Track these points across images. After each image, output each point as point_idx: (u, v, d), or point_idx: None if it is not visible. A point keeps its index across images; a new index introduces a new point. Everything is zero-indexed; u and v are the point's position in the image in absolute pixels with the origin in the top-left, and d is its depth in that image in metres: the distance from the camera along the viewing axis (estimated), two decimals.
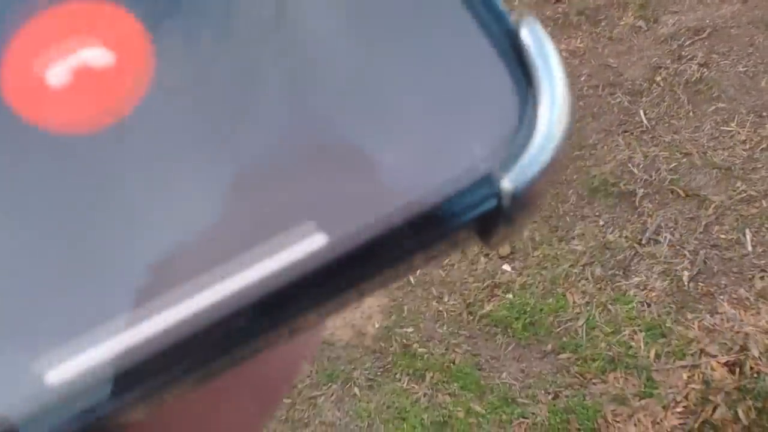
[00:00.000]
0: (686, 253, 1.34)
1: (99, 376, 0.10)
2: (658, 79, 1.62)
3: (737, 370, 1.15)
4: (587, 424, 1.19)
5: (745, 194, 1.39)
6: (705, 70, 1.61)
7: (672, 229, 1.38)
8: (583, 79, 1.65)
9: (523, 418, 1.22)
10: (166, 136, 0.10)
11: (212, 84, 0.11)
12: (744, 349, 1.17)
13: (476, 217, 0.10)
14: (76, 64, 0.10)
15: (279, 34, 0.11)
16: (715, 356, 1.19)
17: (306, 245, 0.10)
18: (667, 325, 1.27)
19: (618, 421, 1.17)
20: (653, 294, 1.31)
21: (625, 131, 1.54)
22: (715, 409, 1.12)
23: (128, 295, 0.10)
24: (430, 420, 1.24)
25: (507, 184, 0.10)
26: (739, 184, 1.41)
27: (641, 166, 1.47)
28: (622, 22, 1.75)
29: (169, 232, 0.10)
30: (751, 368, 1.15)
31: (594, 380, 1.24)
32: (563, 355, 1.28)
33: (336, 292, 0.10)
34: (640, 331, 1.27)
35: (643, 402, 1.19)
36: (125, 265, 0.10)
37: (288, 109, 0.11)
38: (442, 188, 0.10)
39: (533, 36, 0.10)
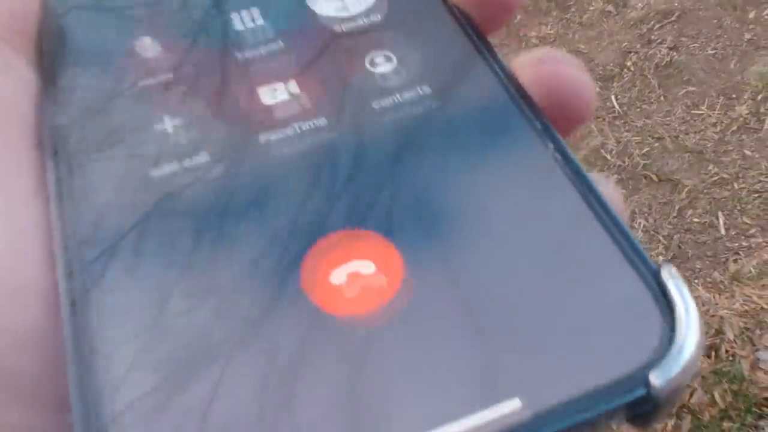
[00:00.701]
0: (661, 238, 1.34)
1: None
2: (629, 63, 1.61)
3: (713, 353, 1.16)
4: None
5: (717, 177, 1.39)
6: (675, 53, 1.60)
7: (646, 215, 1.38)
8: None
9: None
10: (409, 327, 0.14)
11: (450, 291, 0.15)
12: (719, 332, 1.18)
13: (629, 401, 0.14)
14: (350, 270, 0.15)
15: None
16: None
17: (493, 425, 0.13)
18: None
19: None
20: None
21: (598, 117, 1.54)
22: (692, 393, 1.13)
23: None
24: None
25: (653, 377, 0.14)
26: (711, 167, 1.41)
27: (614, 151, 1.47)
28: (592, 7, 1.74)
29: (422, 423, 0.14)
30: (727, 351, 1.15)
31: None
32: None
33: None
34: None
35: None
36: None
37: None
38: (607, 376, 0.14)
39: (673, 278, 0.15)
